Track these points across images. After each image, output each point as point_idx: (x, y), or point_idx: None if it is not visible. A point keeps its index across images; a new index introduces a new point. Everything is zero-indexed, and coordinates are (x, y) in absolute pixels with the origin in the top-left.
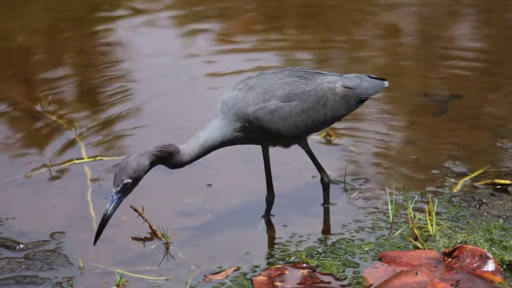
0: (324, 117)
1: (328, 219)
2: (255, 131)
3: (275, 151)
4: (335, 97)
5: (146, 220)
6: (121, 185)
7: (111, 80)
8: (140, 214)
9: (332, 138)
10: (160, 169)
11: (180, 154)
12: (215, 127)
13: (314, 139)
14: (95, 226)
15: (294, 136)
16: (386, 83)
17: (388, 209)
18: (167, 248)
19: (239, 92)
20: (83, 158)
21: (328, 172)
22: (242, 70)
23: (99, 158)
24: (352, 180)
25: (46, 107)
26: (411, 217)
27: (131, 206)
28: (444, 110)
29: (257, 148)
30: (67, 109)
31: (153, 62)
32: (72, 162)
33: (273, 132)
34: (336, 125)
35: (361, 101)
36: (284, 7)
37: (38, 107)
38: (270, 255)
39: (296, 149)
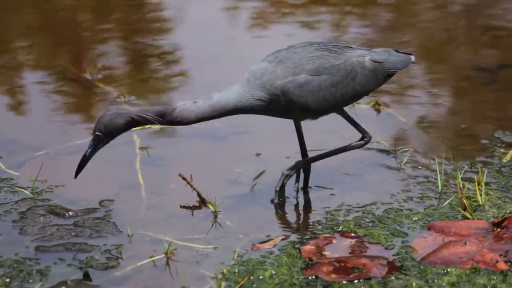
0: (353, 91)
1: (377, 189)
2: (280, 104)
3: (322, 120)
4: (364, 71)
5: (194, 189)
6: (94, 136)
7: (159, 49)
8: (188, 183)
9: (381, 107)
10: (209, 137)
11: (177, 111)
12: (233, 91)
13: (362, 108)
14: (144, 194)
15: (324, 109)
16: (412, 58)
17: (437, 179)
18: (215, 217)
19: (269, 64)
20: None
21: (378, 141)
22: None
23: (147, 126)
24: (401, 149)
25: (95, 75)
26: (460, 187)
27: (179, 175)
28: (493, 80)
29: (306, 121)
30: (116, 77)
31: (200, 31)
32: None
33: (302, 105)
34: (384, 94)
35: (388, 75)
36: None
37: (87, 75)
38: (318, 224)
39: (344, 118)
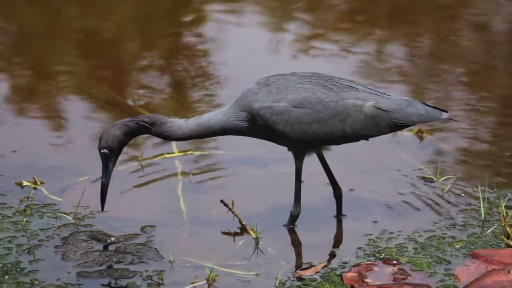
0: (342, 132)
1: (419, 216)
2: (261, 127)
3: (364, 146)
4: (360, 115)
5: (236, 215)
6: (101, 156)
7: (200, 75)
8: (230, 209)
9: (424, 134)
10: (251, 163)
11: (167, 126)
12: (222, 112)
13: (405, 135)
14: (186, 220)
15: (304, 143)
16: (444, 115)
17: (480, 207)
18: (257, 243)
19: (256, 86)
20: (173, 153)
21: (420, 168)
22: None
23: (190, 152)
24: (444, 177)
25: (137, 101)
26: (503, 215)
27: (221, 201)
28: None
29: (349, 147)
30: (158, 104)
31: (239, 58)
32: (163, 156)
33: (280, 133)
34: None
35: (398, 126)
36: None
37: (129, 102)
38: (360, 251)
39: (387, 145)
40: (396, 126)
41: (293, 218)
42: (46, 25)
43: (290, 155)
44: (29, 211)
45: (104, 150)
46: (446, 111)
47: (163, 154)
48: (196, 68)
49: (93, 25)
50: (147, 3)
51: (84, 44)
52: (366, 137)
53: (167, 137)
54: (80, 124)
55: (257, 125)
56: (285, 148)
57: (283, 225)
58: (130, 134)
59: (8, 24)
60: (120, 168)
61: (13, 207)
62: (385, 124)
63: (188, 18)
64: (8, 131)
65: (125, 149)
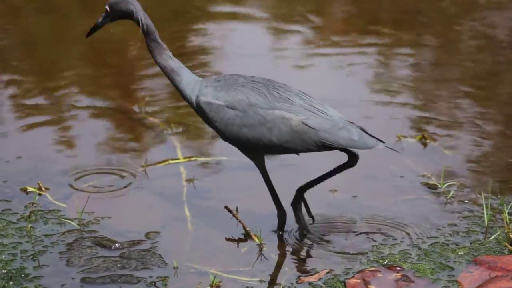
0: (270, 141)
1: (423, 223)
2: (206, 120)
3: (367, 152)
4: (286, 128)
5: (240, 221)
6: (105, 9)
7: None
8: (234, 215)
9: (427, 141)
10: (255, 170)
11: (159, 48)
12: (193, 88)
13: (409, 141)
14: (190, 226)
15: (241, 146)
16: (380, 145)
17: (483, 213)
18: (261, 250)
19: (210, 80)
20: (178, 159)
21: (424, 174)
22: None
23: (194, 158)
24: (448, 183)
25: (143, 107)
26: (506, 222)
27: (225, 207)
28: None
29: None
30: (164, 110)
31: (245, 62)
32: (167, 162)
33: (216, 130)
34: (431, 128)
35: (325, 146)
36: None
37: (135, 108)
38: (363, 258)
39: (390, 151)
40: (323, 145)
41: (281, 222)
42: (52, 31)
43: (295, 161)
44: (33, 217)
45: (107, 8)
46: (383, 142)
47: (167, 160)
48: (201, 73)
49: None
50: (153, 9)
51: (90, 50)
52: (294, 151)
53: (151, 52)
54: (86, 130)
55: (203, 117)
56: (285, 156)
57: (274, 231)
58: (131, 18)
59: (15, 30)
60: (124, 174)
61: (18, 213)
62: (312, 141)
63: (194, 24)
64: (13, 137)
65: (129, 154)
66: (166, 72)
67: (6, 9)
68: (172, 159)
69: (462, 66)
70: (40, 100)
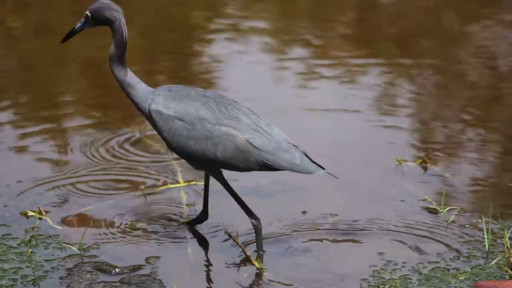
0: (214, 156)
1: (423, 247)
2: (155, 128)
3: (368, 176)
4: (231, 145)
5: (240, 246)
6: (84, 14)
7: None
8: (234, 240)
9: (428, 165)
10: (255, 194)
11: (120, 64)
12: (145, 98)
13: (410, 165)
14: (190, 251)
15: (186, 157)
16: (321, 171)
17: (484, 238)
18: (261, 275)
19: (164, 87)
20: (179, 183)
21: (424, 198)
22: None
23: (194, 182)
24: (448, 207)
25: (143, 131)
26: (507, 246)
27: (225, 232)
28: None
29: (352, 176)
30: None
31: (243, 85)
32: (167, 186)
33: (164, 140)
34: (432, 152)
35: (267, 166)
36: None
37: (136, 132)
38: (364, 283)
39: (391, 175)
40: (265, 165)
41: (257, 231)
42: (52, 55)
43: (294, 186)
44: (34, 242)
45: (87, 13)
46: (323, 168)
47: (167, 184)
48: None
49: (98, 55)
50: (152, 32)
51: (89, 73)
52: (237, 169)
53: (112, 68)
54: (86, 154)
55: (153, 125)
56: (289, 178)
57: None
58: (111, 25)
59: (14, 53)
60: (124, 197)
61: (18, 238)
62: (255, 161)
63: (193, 48)
64: (13, 161)
65: (128, 177)
66: (124, 87)
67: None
68: (171, 183)
69: (463, 89)
70: (39, 124)
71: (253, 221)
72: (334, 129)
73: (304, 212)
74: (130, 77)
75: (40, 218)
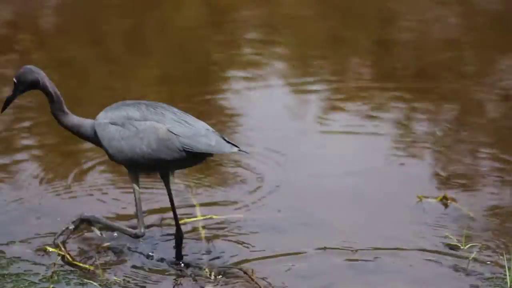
0: (142, 151)
1: (444, 284)
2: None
3: (389, 212)
4: (154, 136)
5: (256, 283)
6: (13, 81)
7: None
8: (250, 277)
9: (449, 201)
10: (271, 229)
11: (63, 113)
12: (92, 123)
13: (430, 202)
14: None
15: (123, 161)
16: (234, 149)
17: (505, 275)
18: None
19: (110, 107)
20: (196, 217)
21: (445, 235)
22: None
23: (209, 217)
24: (469, 244)
25: None
26: None
27: (240, 269)
28: None
29: (373, 213)
30: (185, 171)
31: (262, 122)
32: (184, 221)
33: (105, 151)
34: (452, 187)
35: (187, 151)
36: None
37: None
38: None
39: (412, 211)
40: (185, 151)
41: (136, 238)
42: (73, 85)
43: (309, 220)
44: (56, 278)
45: (14, 80)
46: (238, 147)
47: (182, 219)
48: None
49: (117, 85)
50: (171, 66)
51: (108, 103)
52: (164, 161)
53: (59, 121)
54: (103, 190)
55: (98, 141)
56: (304, 211)
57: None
58: (37, 87)
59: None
60: (148, 234)
61: (39, 274)
62: (175, 147)
63: (211, 83)
64: (33, 198)
65: (153, 217)
66: (74, 131)
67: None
68: (187, 217)
69: (483, 126)
70: (60, 160)
71: (137, 231)
72: (354, 163)
73: (324, 248)
74: (77, 119)
75: (60, 254)
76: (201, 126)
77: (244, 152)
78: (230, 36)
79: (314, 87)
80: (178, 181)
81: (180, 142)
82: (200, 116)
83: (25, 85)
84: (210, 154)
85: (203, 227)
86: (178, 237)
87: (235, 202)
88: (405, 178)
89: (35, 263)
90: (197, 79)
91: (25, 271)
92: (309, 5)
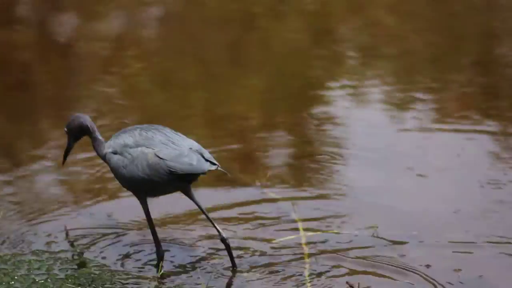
0: (139, 177)
1: None
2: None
3: None
4: (145, 161)
5: None
6: (65, 131)
7: (329, 158)
8: None
9: None
10: (377, 246)
11: (96, 142)
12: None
13: None
14: None
15: (130, 188)
16: (213, 167)
17: None
18: None
19: (115, 134)
20: (298, 234)
21: None
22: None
23: (312, 234)
24: None
25: (264, 182)
26: None
27: (347, 283)
28: None
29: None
30: (285, 186)
31: (368, 141)
32: (288, 238)
33: (115, 178)
34: None
35: (173, 174)
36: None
37: (257, 183)
38: None
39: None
40: (171, 173)
41: (159, 258)
42: (175, 104)
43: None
44: None
45: (65, 129)
46: (216, 164)
47: (286, 236)
48: (318, 144)
49: (219, 103)
50: (273, 81)
51: (211, 120)
52: (158, 185)
53: (95, 150)
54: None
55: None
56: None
57: (153, 265)
58: (85, 131)
59: (136, 107)
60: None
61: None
62: (163, 171)
63: (312, 100)
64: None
65: (250, 228)
66: (105, 160)
67: (126, 86)
68: (291, 236)
69: None
70: None
71: (157, 251)
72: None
73: (428, 266)
74: (106, 149)
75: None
76: (186, 145)
77: (223, 171)
78: (330, 51)
79: (416, 99)
80: (275, 195)
81: (166, 165)
82: (301, 130)
83: (75, 132)
84: (197, 174)
85: (306, 244)
86: (223, 239)
87: (340, 216)
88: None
89: (139, 276)
90: (299, 95)
91: (129, 284)
92: (411, 22)
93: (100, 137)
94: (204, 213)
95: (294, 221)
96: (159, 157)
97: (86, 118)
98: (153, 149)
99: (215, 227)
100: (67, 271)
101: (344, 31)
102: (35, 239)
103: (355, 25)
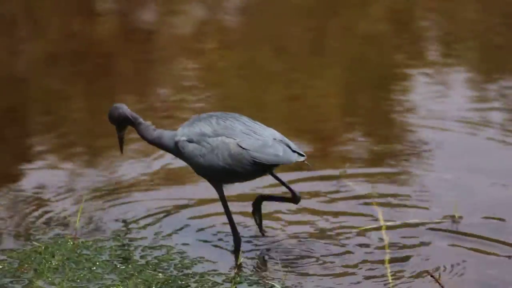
0: (219, 166)
1: None
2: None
3: None
4: (226, 151)
5: (442, 286)
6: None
7: (414, 147)
8: (437, 281)
9: None
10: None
11: (141, 127)
12: (172, 133)
13: None
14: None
15: (207, 176)
16: (301, 158)
17: None
18: None
19: (192, 119)
20: (379, 224)
21: None
22: None
23: (391, 223)
24: None
25: (344, 171)
26: None
27: (426, 271)
28: None
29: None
30: (364, 175)
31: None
32: (363, 228)
33: (190, 166)
34: None
35: (257, 164)
36: None
37: (334, 170)
38: None
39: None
40: (255, 163)
41: (235, 246)
42: (257, 91)
43: None
44: (238, 279)
45: (110, 121)
46: (304, 155)
47: (361, 227)
48: (400, 134)
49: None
50: (354, 70)
51: (288, 111)
52: (239, 175)
53: (141, 136)
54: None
55: (181, 157)
56: None
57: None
58: (125, 120)
59: (216, 92)
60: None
61: (223, 274)
62: (246, 161)
63: (394, 90)
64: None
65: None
66: (156, 144)
67: (206, 74)
68: (368, 227)
69: None
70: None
71: (235, 239)
72: None
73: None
74: (156, 133)
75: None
76: (269, 135)
77: (308, 164)
78: (411, 43)
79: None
80: (353, 185)
81: (249, 156)
82: (385, 120)
83: (117, 123)
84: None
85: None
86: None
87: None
88: None
89: (219, 263)
90: (381, 85)
91: (208, 271)
92: (491, 15)
93: (143, 122)
94: (280, 181)
95: (372, 207)
96: (242, 147)
97: (124, 108)
98: (234, 139)
99: (289, 188)
100: (147, 257)
101: (426, 20)
102: (116, 225)
103: (437, 15)
